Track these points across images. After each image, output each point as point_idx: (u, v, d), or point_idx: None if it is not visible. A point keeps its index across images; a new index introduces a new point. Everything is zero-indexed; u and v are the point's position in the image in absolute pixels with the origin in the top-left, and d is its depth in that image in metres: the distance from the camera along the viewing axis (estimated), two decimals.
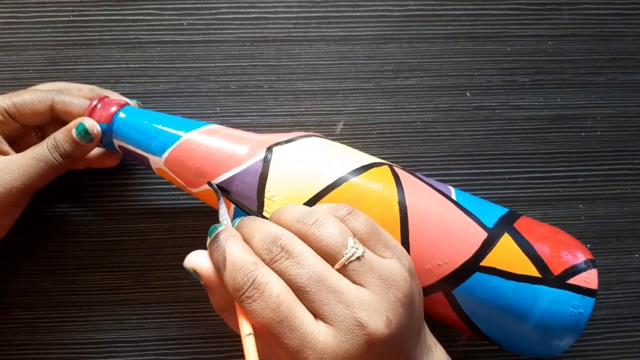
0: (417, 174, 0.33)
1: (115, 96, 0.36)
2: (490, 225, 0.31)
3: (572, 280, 0.30)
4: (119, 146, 0.34)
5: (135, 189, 0.39)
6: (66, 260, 0.38)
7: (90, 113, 0.33)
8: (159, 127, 0.33)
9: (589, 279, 0.30)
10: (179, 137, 0.32)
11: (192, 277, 0.28)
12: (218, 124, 0.34)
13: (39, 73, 0.39)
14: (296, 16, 0.40)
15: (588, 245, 0.40)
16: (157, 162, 0.33)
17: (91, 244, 0.38)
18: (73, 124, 0.33)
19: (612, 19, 0.42)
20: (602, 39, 0.42)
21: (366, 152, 0.34)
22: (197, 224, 0.39)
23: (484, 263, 0.30)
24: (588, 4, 0.42)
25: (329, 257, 0.26)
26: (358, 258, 0.26)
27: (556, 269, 0.30)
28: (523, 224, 0.32)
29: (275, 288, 0.25)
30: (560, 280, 0.29)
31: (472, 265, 0.30)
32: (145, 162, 0.33)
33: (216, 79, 0.40)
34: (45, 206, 0.38)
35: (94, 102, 0.33)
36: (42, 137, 0.36)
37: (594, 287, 0.30)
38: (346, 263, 0.26)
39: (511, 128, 0.41)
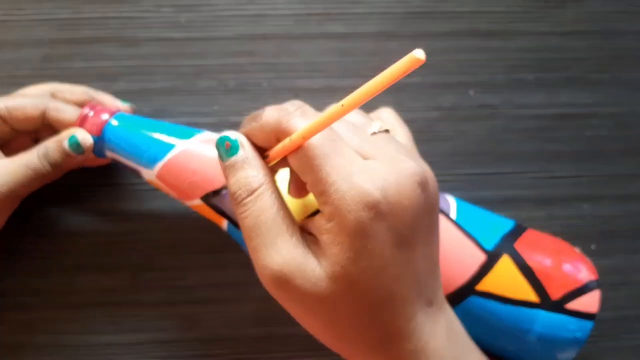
0: None
1: (108, 100, 0.36)
2: (489, 247, 0.30)
3: (571, 304, 0.29)
4: (111, 157, 0.33)
5: (133, 189, 0.38)
6: (63, 260, 0.38)
7: (82, 122, 0.32)
8: (151, 137, 0.32)
9: (590, 302, 0.29)
10: (171, 147, 0.31)
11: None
12: (216, 122, 0.33)
13: (34, 71, 0.39)
14: (296, 13, 0.40)
15: (593, 246, 0.40)
16: (148, 174, 0.32)
17: (88, 245, 0.38)
18: (66, 134, 0.32)
19: (617, 16, 0.42)
20: (607, 37, 0.42)
21: None
22: (197, 224, 0.38)
23: (480, 287, 0.29)
24: (593, 0, 0.41)
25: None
26: (386, 130, 0.27)
27: (555, 293, 0.29)
28: (525, 242, 0.31)
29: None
30: (559, 305, 0.29)
31: (467, 290, 0.29)
32: (137, 174, 0.33)
33: (214, 76, 0.39)
34: (42, 206, 0.38)
35: (85, 111, 0.33)
36: (34, 140, 0.35)
37: (594, 311, 0.29)
38: (376, 131, 0.27)
39: (515, 126, 0.40)
